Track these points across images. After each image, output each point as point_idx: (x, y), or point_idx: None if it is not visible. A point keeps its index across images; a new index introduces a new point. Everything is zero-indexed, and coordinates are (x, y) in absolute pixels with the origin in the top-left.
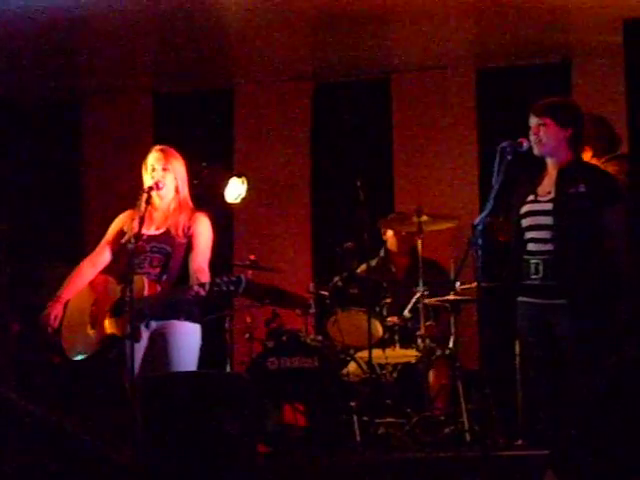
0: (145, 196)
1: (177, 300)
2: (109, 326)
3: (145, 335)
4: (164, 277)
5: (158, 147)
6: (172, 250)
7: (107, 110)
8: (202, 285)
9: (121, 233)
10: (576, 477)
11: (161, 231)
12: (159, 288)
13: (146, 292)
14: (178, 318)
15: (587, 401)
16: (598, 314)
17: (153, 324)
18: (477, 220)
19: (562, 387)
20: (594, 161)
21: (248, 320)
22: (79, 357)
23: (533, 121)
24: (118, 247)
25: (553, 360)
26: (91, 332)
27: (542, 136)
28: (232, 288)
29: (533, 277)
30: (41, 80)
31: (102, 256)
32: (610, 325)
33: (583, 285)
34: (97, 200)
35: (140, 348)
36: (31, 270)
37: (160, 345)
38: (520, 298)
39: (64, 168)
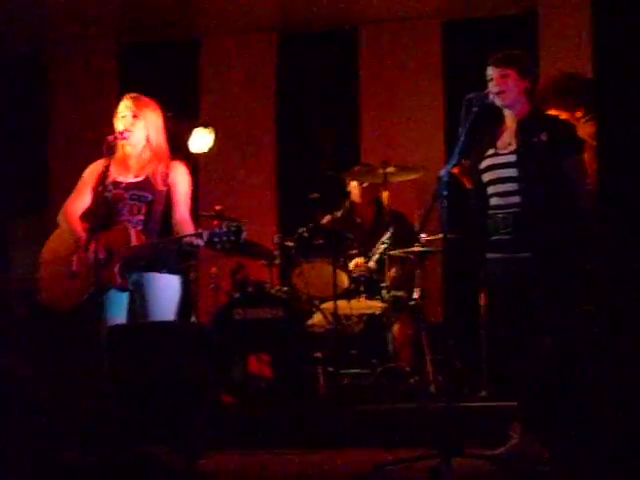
0: (107, 145)
1: (168, 250)
2: (95, 276)
3: None
4: (149, 226)
5: (130, 95)
6: (153, 198)
7: (72, 61)
8: (199, 234)
9: (100, 178)
10: (544, 429)
11: (140, 179)
12: (144, 238)
13: (133, 241)
14: (159, 270)
15: (554, 354)
16: (569, 264)
17: (133, 276)
18: (442, 171)
19: (531, 339)
20: (566, 115)
21: (213, 271)
22: (63, 309)
23: (494, 72)
24: (95, 193)
25: (523, 313)
26: (75, 283)
27: (505, 87)
28: (232, 238)
29: (502, 232)
30: (4, 32)
31: (84, 199)
32: (579, 275)
33: (554, 235)
34: (64, 153)
35: (122, 299)
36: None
37: (140, 297)
38: (489, 255)
39: (29, 120)
